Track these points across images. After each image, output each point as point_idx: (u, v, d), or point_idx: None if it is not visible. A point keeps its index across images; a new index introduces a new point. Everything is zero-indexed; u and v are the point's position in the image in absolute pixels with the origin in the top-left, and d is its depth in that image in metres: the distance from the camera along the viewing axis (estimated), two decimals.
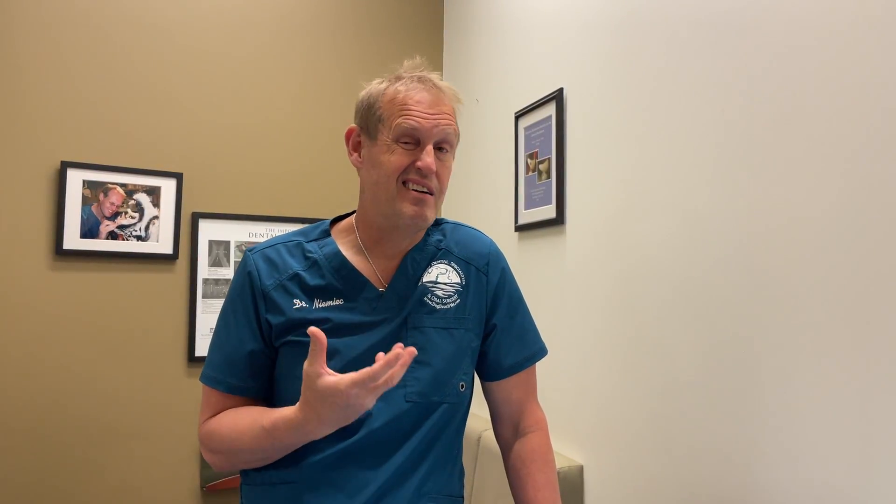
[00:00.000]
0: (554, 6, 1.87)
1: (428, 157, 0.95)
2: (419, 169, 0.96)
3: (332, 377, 0.81)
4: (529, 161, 1.95)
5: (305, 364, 0.82)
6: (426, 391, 0.99)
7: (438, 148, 0.99)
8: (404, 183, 0.97)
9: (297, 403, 0.87)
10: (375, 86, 1.02)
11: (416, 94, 0.98)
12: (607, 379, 1.57)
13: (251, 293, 1.01)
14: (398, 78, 1.01)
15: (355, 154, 1.05)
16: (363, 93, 1.04)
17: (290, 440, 0.90)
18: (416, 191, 0.97)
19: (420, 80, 1.00)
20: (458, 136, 1.03)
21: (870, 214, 0.97)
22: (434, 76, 1.03)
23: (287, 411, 0.88)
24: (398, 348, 0.80)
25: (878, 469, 0.95)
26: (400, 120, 0.96)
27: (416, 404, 0.98)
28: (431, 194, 0.98)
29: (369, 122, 1.01)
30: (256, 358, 1.01)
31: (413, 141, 0.97)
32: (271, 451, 0.93)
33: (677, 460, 1.33)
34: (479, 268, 1.09)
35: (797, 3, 1.10)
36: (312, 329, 0.80)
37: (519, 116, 2.02)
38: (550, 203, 1.82)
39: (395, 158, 0.97)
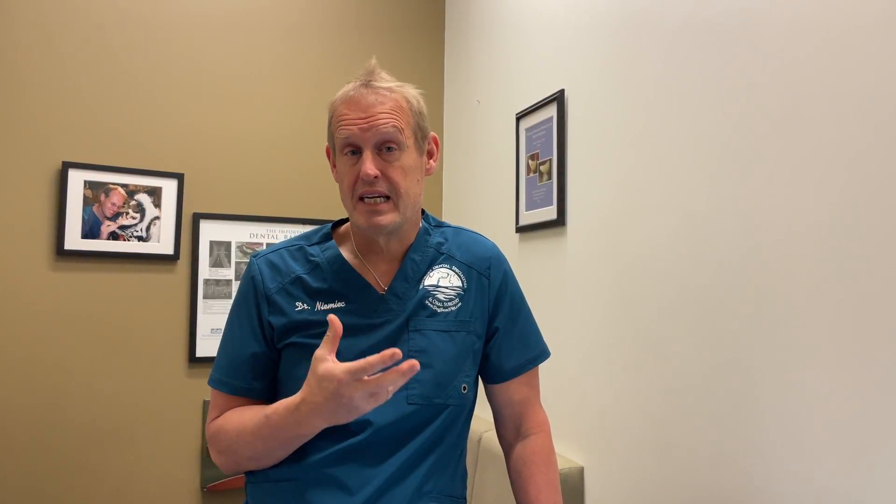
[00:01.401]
0: (555, 8, 1.87)
1: (365, 165, 0.95)
2: (362, 179, 0.96)
3: (330, 363, 0.83)
4: (530, 162, 1.95)
5: (318, 349, 0.85)
6: (428, 393, 1.00)
7: (387, 149, 0.98)
8: (360, 198, 0.98)
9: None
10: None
11: (349, 101, 0.98)
12: (608, 380, 1.57)
13: (254, 297, 1.03)
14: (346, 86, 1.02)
15: (334, 170, 1.07)
16: None
17: (286, 424, 0.90)
18: (368, 201, 0.98)
19: (360, 83, 1.00)
20: (405, 130, 0.98)
21: (868, 217, 0.98)
22: (380, 75, 1.01)
23: (289, 398, 0.90)
24: (399, 353, 0.80)
25: (876, 473, 0.95)
26: (338, 132, 0.98)
27: (419, 407, 0.99)
28: (387, 198, 0.98)
29: (329, 136, 1.05)
30: (259, 360, 1.02)
31: (356, 149, 0.98)
32: (271, 443, 0.93)
33: (678, 462, 1.34)
34: (480, 271, 1.10)
35: (796, 6, 1.10)
36: (332, 316, 0.84)
37: (520, 118, 2.02)
38: (551, 204, 1.82)
39: (346, 176, 0.99)
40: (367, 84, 0.99)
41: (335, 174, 1.06)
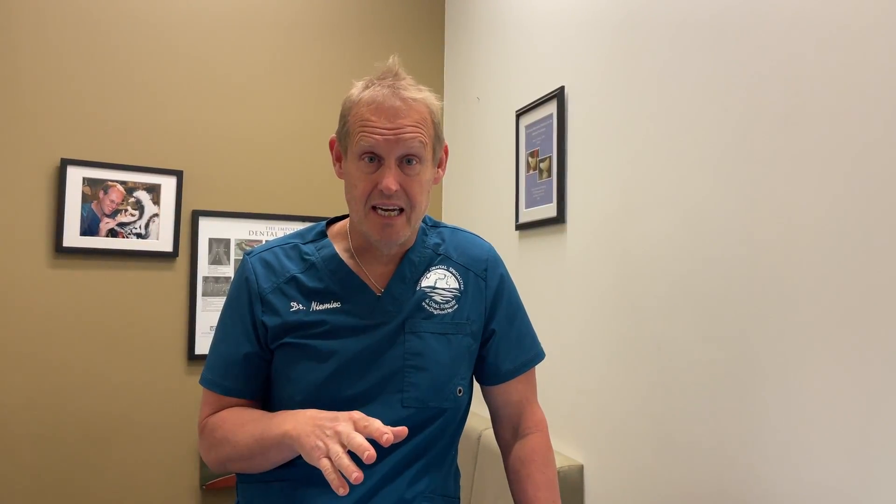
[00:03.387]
0: (555, 4, 1.86)
1: (387, 178, 0.93)
2: (381, 191, 0.94)
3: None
4: (530, 159, 1.94)
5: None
6: (424, 396, 0.99)
7: (407, 161, 0.95)
8: (373, 208, 0.96)
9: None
10: (351, 92, 0.99)
11: (376, 108, 0.94)
12: (608, 377, 1.56)
13: (248, 296, 1.02)
14: (368, 84, 0.98)
15: (338, 165, 1.04)
16: (345, 97, 1.01)
17: (276, 453, 0.91)
18: (383, 213, 0.95)
19: (386, 87, 0.96)
20: (428, 144, 0.97)
21: (869, 214, 0.97)
22: (404, 82, 0.97)
23: (280, 425, 0.90)
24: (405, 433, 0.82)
25: (878, 469, 0.95)
26: (359, 137, 0.94)
27: (414, 410, 0.98)
28: (402, 211, 0.96)
29: (342, 134, 1.00)
30: (251, 360, 1.01)
31: (376, 157, 0.95)
32: (261, 461, 0.94)
33: (677, 459, 1.33)
34: (477, 273, 1.09)
35: (798, 3, 1.09)
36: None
37: (520, 114, 2.01)
38: (551, 202, 1.81)
39: (360, 182, 0.95)
40: (393, 89, 0.95)
41: (338, 169, 1.04)
